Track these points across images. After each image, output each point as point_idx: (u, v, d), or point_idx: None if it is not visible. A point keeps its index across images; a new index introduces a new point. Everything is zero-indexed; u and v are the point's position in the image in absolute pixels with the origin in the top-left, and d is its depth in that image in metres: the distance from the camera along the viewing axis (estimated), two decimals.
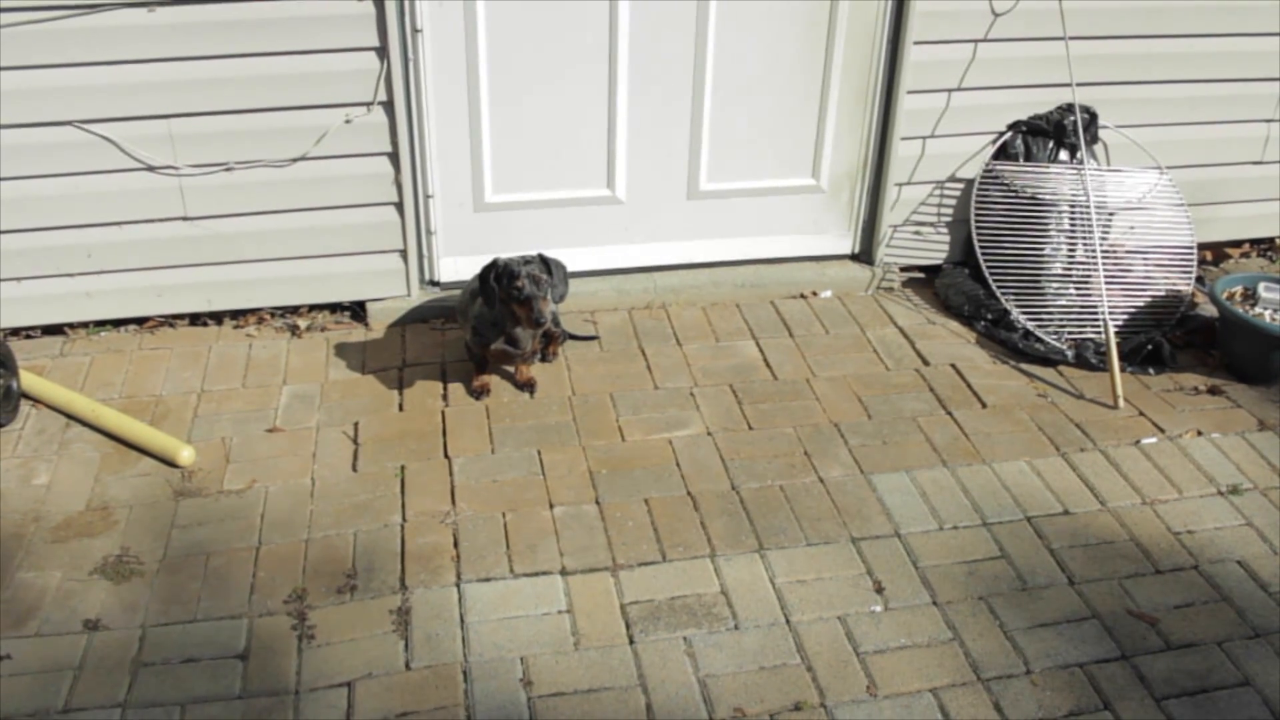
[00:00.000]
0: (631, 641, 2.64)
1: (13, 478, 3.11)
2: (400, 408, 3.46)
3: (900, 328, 4.02)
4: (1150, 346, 3.82)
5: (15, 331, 3.71)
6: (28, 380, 3.40)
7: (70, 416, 3.35)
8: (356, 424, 3.37)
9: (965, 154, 4.15)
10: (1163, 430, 3.51)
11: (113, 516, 2.98)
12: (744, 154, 4.06)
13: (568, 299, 3.57)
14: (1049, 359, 3.83)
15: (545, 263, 3.32)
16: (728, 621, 2.71)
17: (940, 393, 3.64)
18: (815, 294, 4.20)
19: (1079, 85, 3.99)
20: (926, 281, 4.35)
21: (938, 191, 4.20)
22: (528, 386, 3.57)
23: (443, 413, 3.44)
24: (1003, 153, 4.12)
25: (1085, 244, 4.05)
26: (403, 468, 3.19)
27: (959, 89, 4.00)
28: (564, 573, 2.84)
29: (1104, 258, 3.94)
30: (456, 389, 3.56)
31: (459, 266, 3.96)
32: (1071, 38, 3.89)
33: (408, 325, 3.90)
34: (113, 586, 2.75)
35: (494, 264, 3.29)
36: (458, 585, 2.78)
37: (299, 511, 3.01)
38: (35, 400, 3.41)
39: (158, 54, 3.32)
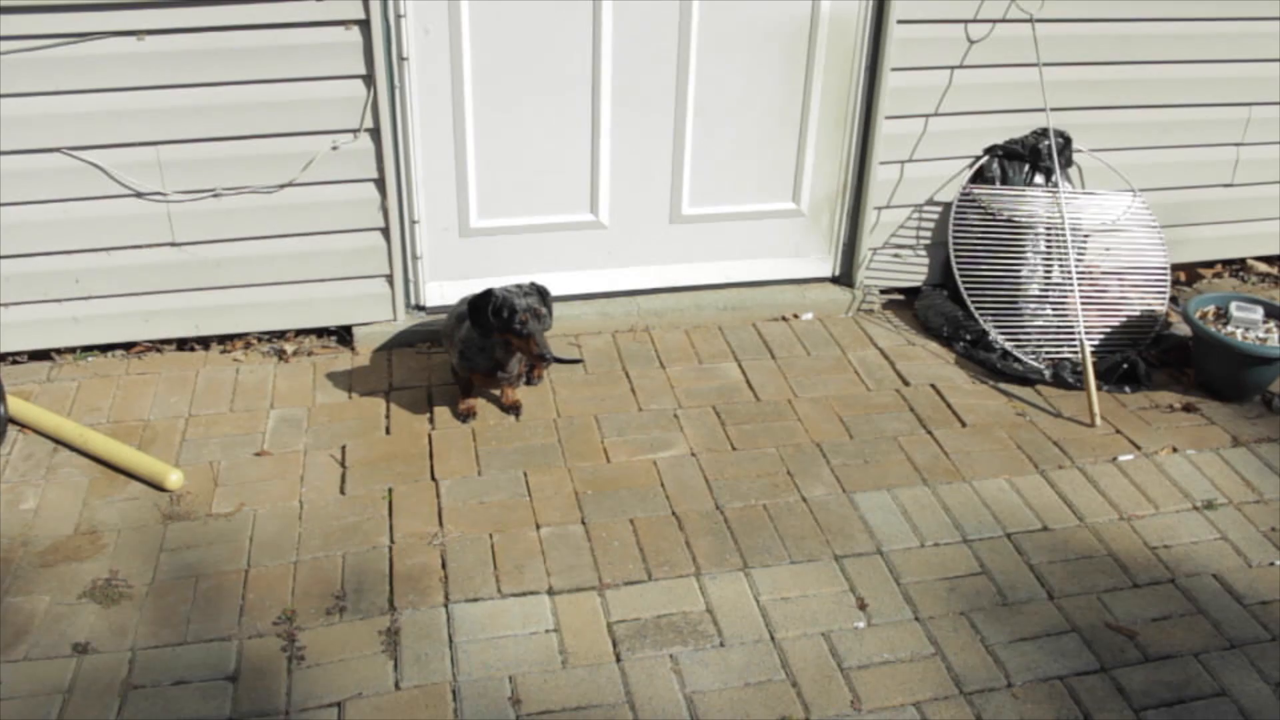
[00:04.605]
0: (618, 659, 2.66)
1: (0, 502, 3.12)
2: (387, 431, 3.49)
3: (880, 349, 4.08)
4: (1126, 365, 3.88)
5: (2, 357, 3.72)
6: (15, 405, 3.42)
7: (58, 441, 3.36)
8: (344, 447, 3.40)
9: (943, 178, 4.22)
10: (1139, 447, 3.56)
11: (101, 540, 2.99)
12: (725, 179, 4.12)
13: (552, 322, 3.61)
14: (1027, 378, 3.89)
15: (541, 294, 3.36)
16: (713, 639, 2.74)
17: (920, 412, 3.69)
18: (796, 316, 4.26)
19: (1053, 110, 4.08)
20: (906, 303, 4.41)
21: (916, 215, 4.27)
22: (513, 409, 3.60)
23: (429, 435, 3.47)
24: (979, 176, 4.19)
25: (1061, 265, 4.12)
26: (390, 490, 3.22)
27: (936, 114, 4.07)
28: (551, 592, 2.86)
29: (1080, 279, 4.01)
30: (443, 412, 3.59)
31: (444, 291, 4.00)
32: (1045, 64, 3.98)
33: (394, 349, 3.93)
34: (102, 610, 2.76)
35: (490, 295, 3.30)
36: (446, 606, 2.80)
37: (287, 534, 3.03)
38: (23, 425, 3.42)
39: (147, 82, 3.36)
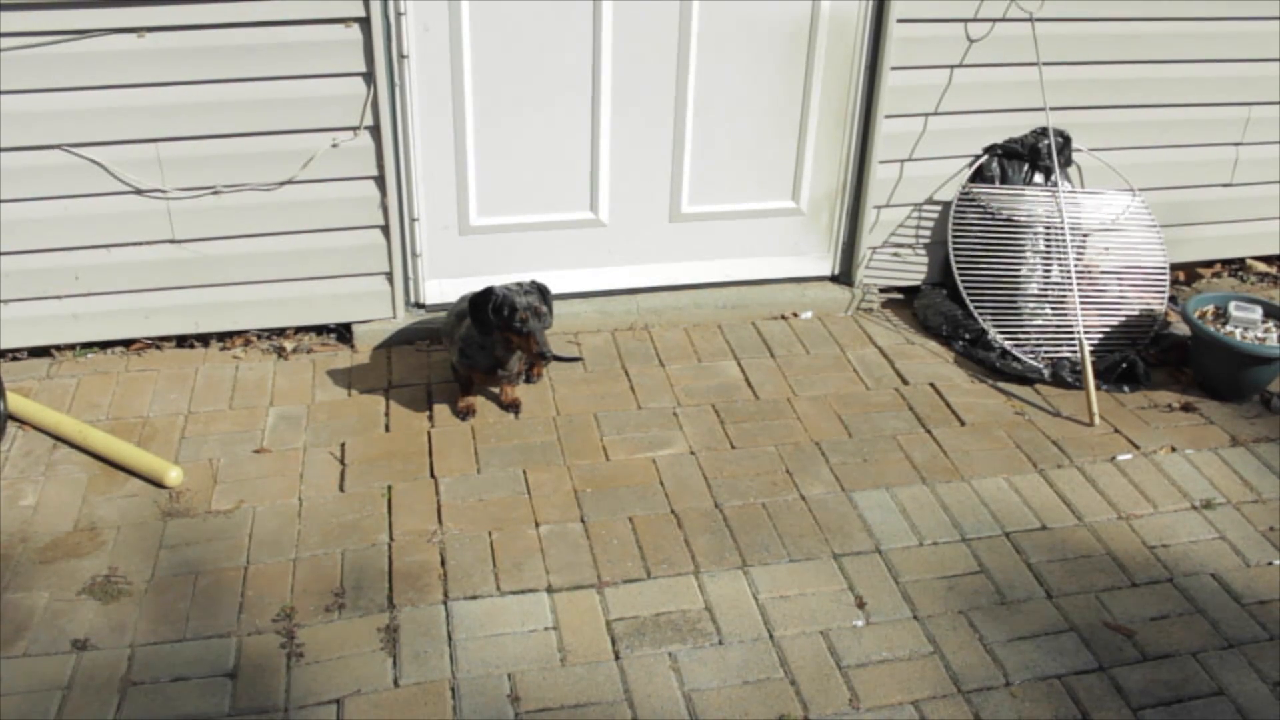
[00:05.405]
0: (617, 657, 2.67)
1: (0, 499, 3.12)
2: (386, 428, 3.49)
3: (880, 348, 4.08)
4: (1125, 365, 3.88)
5: (2, 353, 3.72)
6: (15, 402, 3.42)
7: (57, 438, 3.36)
8: (343, 445, 3.40)
9: (942, 177, 4.22)
10: (1138, 446, 3.57)
11: (100, 537, 2.99)
12: (725, 177, 4.12)
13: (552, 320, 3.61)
14: (1026, 378, 3.89)
15: (541, 292, 3.36)
16: (712, 637, 2.74)
17: (919, 411, 3.69)
18: (796, 315, 4.26)
19: (1053, 109, 4.08)
20: (905, 302, 4.41)
21: (916, 214, 4.27)
22: (513, 407, 3.60)
23: (429, 433, 3.47)
24: (979, 175, 4.19)
25: (1060, 265, 4.12)
26: (389, 488, 3.22)
27: (936, 113, 4.07)
28: (550, 590, 2.87)
29: (1079, 278, 4.01)
30: (442, 410, 3.59)
31: (444, 289, 4.00)
32: (1045, 63, 3.98)
33: (393, 347, 3.93)
34: (101, 606, 2.76)
35: (490, 293, 3.30)
36: (445, 603, 2.80)
37: (287, 531, 3.03)
38: (22, 422, 3.42)
39: (147, 79, 3.36)
